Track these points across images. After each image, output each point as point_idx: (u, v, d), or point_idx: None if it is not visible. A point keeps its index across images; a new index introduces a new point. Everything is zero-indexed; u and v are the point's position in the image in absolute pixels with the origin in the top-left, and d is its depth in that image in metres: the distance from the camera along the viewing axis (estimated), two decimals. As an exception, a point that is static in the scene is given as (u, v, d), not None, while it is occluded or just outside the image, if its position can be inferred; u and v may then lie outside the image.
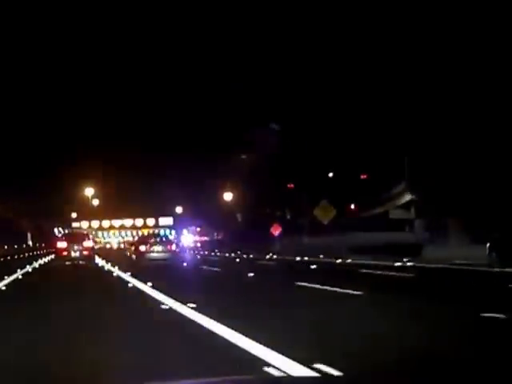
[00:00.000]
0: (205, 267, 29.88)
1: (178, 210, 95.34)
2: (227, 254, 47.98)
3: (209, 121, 70.19)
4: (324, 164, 63.49)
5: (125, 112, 74.99)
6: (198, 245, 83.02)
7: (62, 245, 36.52)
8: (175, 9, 62.89)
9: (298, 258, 34.56)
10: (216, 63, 65.27)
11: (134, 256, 42.61)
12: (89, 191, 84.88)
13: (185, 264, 34.90)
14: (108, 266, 30.26)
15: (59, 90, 69.94)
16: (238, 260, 39.31)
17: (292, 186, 68.74)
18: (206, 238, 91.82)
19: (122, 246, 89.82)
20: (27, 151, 68.55)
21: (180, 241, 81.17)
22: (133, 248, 46.42)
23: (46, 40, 64.98)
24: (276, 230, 48.74)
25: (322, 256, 33.56)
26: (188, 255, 51.34)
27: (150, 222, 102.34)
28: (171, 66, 69.47)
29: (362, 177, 66.84)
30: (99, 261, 36.77)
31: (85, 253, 36.11)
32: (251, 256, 41.79)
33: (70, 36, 67.54)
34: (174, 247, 42.30)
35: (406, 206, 51.55)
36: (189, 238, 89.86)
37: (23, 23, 62.37)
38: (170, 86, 72.17)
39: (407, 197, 50.80)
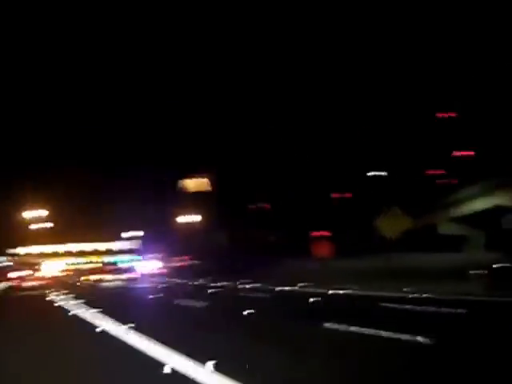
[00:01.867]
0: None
1: (136, 234, 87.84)
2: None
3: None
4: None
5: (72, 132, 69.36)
6: (163, 271, 76.65)
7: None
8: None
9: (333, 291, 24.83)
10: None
11: (87, 284, 40.94)
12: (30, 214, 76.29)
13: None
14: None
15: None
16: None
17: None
18: (176, 264, 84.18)
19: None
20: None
21: (140, 267, 75.13)
22: (90, 277, 43.50)
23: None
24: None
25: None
26: (149, 284, 46.17)
27: (108, 246, 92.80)
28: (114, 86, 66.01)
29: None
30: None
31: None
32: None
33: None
34: (132, 275, 39.24)
35: (466, 219, 42.16)
36: (151, 265, 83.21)
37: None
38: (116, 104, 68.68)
39: (483, 202, 41.03)
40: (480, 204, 41.42)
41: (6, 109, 64.13)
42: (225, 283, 38.91)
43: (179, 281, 49.34)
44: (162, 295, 29.39)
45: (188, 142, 65.81)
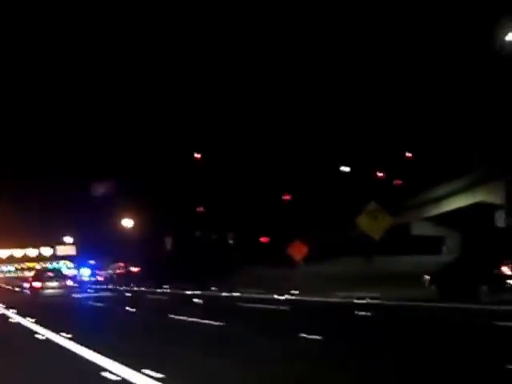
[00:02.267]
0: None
1: (68, 239, 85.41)
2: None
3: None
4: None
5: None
6: (101, 279, 75.42)
7: None
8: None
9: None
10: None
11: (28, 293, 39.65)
12: None
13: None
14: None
15: None
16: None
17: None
18: (115, 271, 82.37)
19: None
20: None
21: (79, 275, 73.72)
22: (27, 284, 42.98)
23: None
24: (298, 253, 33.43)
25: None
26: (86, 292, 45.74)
27: (46, 252, 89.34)
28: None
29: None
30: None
31: None
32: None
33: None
34: (69, 282, 38.87)
35: (441, 218, 39.22)
36: (88, 272, 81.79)
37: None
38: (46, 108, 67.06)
39: (464, 199, 37.68)
40: (460, 201, 38.25)
41: None
42: (164, 290, 38.79)
43: (118, 288, 48.71)
44: (98, 303, 29.06)
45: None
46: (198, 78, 59.45)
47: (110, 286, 52.68)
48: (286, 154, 56.02)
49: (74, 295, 37.20)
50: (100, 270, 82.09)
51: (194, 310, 20.67)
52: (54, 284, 37.02)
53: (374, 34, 46.91)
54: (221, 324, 15.27)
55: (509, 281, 18.31)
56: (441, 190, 39.46)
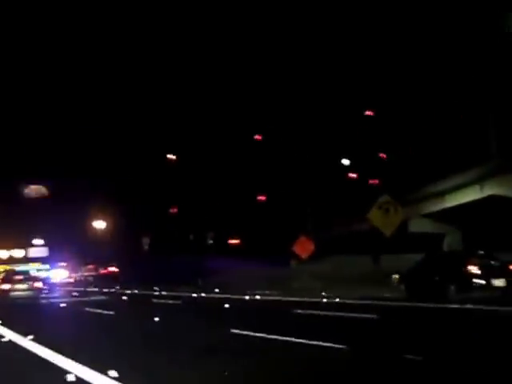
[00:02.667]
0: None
1: (39, 242, 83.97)
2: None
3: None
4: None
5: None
6: (72, 281, 74.51)
7: None
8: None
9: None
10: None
11: None
12: None
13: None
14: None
15: None
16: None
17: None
18: (87, 273, 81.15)
19: None
20: None
21: (48, 276, 72.40)
22: None
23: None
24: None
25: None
26: (58, 293, 45.41)
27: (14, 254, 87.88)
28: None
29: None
30: None
31: None
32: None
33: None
34: (39, 284, 38.59)
35: (442, 215, 36.96)
36: (61, 274, 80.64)
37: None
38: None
39: (471, 194, 34.80)
40: (467, 196, 35.44)
41: None
42: (136, 291, 38.54)
43: (89, 289, 48.29)
44: (69, 305, 28.71)
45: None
46: (171, 77, 59.21)
47: (81, 288, 52.08)
48: (264, 154, 55.76)
49: (43, 297, 36.61)
50: (71, 272, 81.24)
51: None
52: (24, 286, 36.48)
53: (363, 31, 46.40)
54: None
55: (476, 280, 18.46)
56: (445, 184, 36.56)
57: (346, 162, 52.27)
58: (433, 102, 41.80)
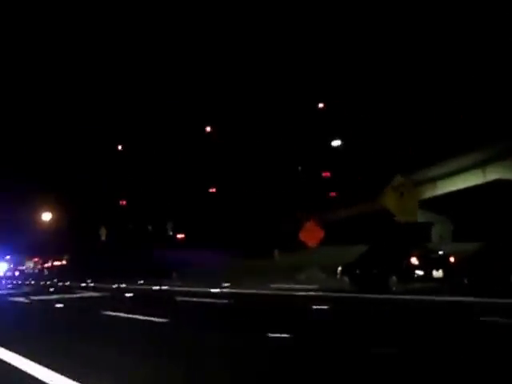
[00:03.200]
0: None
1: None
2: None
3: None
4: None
5: None
6: (17, 273, 72.79)
7: None
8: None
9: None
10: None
11: None
12: None
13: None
14: None
15: None
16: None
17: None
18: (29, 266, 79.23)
19: None
20: None
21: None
22: None
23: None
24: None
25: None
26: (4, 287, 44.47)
27: None
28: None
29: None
30: None
31: None
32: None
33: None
34: None
35: (433, 202, 33.43)
36: (2, 267, 78.56)
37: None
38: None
39: (473, 178, 31.57)
40: (467, 180, 32.24)
41: None
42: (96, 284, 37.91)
43: (41, 282, 47.36)
44: (18, 298, 27.79)
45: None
46: (123, 64, 58.37)
47: (27, 282, 50.92)
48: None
49: None
50: (16, 265, 79.44)
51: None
52: None
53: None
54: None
55: (417, 271, 18.65)
56: (442, 168, 33.33)
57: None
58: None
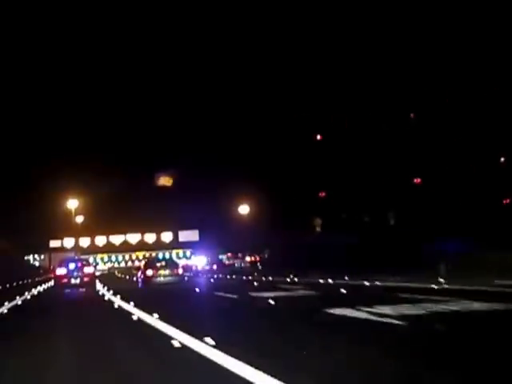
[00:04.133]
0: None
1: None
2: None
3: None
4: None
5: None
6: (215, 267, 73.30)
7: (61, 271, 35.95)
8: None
9: None
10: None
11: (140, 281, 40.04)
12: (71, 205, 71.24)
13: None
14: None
15: (37, 101, 66.65)
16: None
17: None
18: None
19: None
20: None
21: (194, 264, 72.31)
22: (139, 273, 42.80)
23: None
24: None
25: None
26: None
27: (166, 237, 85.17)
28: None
29: None
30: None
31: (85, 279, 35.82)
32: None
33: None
34: (180, 271, 39.28)
35: None
36: (202, 261, 80.00)
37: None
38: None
39: None
40: None
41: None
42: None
43: (243, 277, 45.92)
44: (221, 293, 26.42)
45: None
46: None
47: (228, 276, 49.76)
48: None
49: (186, 284, 36.39)
50: (212, 260, 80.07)
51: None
52: (166, 272, 37.06)
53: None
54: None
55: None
56: None
57: None
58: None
